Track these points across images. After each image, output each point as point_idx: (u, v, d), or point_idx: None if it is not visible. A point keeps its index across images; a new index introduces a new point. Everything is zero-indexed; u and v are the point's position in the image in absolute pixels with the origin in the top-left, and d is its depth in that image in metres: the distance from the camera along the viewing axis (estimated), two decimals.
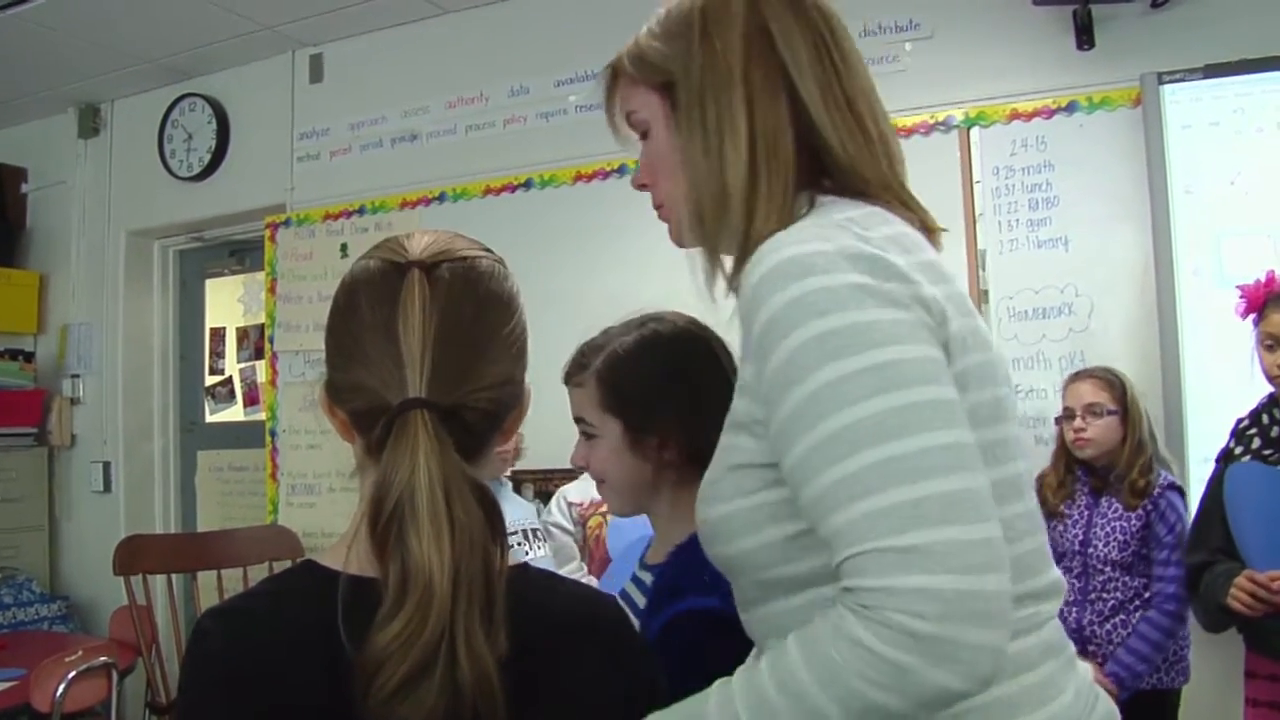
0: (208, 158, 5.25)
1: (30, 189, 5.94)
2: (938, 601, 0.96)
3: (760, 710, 1.03)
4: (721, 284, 1.28)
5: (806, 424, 1.05)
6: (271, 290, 5.03)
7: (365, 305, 1.16)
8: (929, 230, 1.30)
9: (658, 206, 1.39)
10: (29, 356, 5.79)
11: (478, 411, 1.14)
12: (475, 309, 1.18)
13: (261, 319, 5.18)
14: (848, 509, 1.01)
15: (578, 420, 1.76)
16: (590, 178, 4.30)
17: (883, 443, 1.02)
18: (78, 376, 5.66)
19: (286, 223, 5.02)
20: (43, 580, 5.55)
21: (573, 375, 1.77)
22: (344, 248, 4.83)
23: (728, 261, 1.27)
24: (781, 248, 1.12)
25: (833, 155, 1.26)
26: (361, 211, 4.82)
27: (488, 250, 1.27)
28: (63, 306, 5.80)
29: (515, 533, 2.97)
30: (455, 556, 1.04)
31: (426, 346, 1.11)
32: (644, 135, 1.37)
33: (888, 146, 1.30)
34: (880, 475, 1.01)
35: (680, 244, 1.37)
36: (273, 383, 5.01)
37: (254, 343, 5.38)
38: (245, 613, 1.14)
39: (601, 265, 4.17)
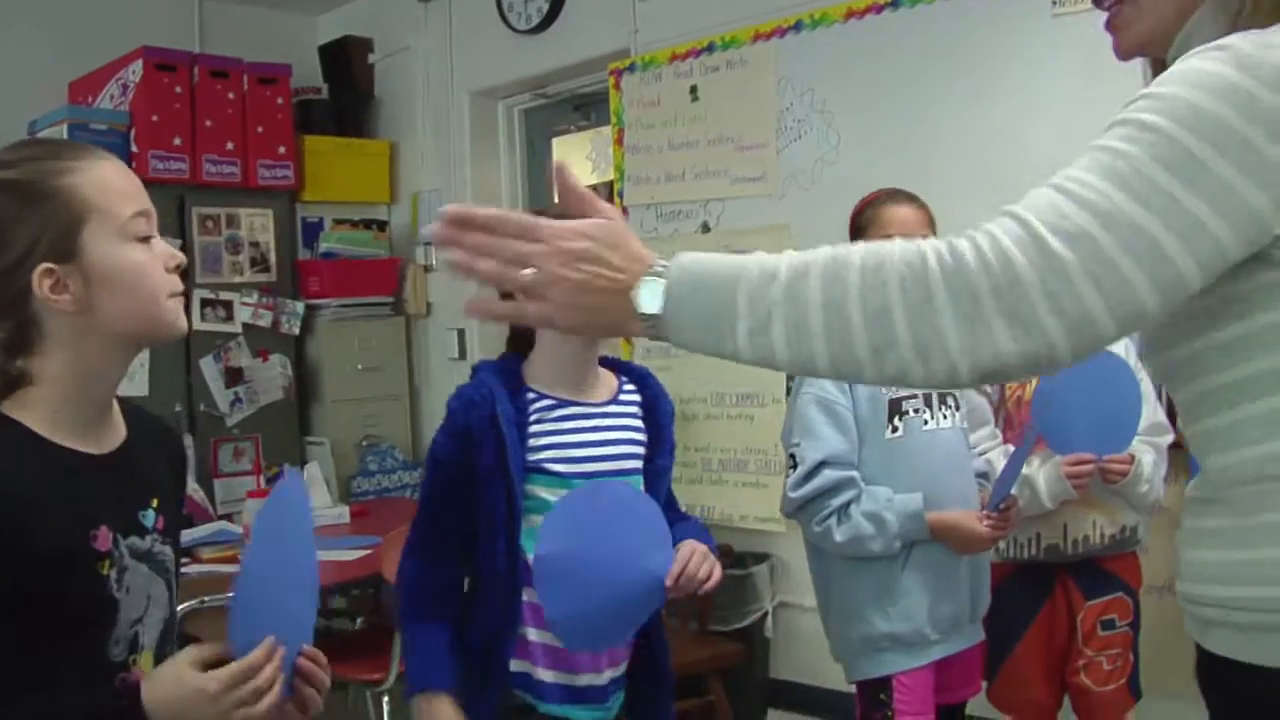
0: (546, 6, 5.01)
1: (376, 58, 5.92)
2: None
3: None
4: None
5: None
6: (619, 142, 4.76)
7: None
8: None
9: (1115, 2, 1.31)
10: (382, 225, 5.80)
11: None
12: None
13: (611, 175, 4.92)
14: None
15: None
16: None
17: None
18: (429, 244, 5.58)
19: (631, 68, 4.71)
20: (405, 448, 5.58)
21: None
22: (694, 90, 4.48)
23: None
24: None
25: None
26: (711, 49, 4.44)
27: None
28: (412, 173, 5.77)
29: (915, 396, 2.57)
30: None
31: None
32: None
33: None
34: None
35: (1127, 54, 1.33)
36: None
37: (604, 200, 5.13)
38: None
39: (988, 96, 3.66)
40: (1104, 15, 1.33)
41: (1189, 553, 1.25)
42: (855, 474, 2.55)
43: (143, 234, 1.48)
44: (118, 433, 1.56)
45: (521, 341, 2.17)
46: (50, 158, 1.46)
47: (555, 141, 5.56)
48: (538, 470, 2.09)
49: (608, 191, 4.99)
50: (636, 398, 2.25)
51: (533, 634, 2.08)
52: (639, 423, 2.23)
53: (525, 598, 2.07)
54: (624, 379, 2.27)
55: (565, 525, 1.98)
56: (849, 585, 2.59)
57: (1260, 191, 1.08)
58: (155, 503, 1.56)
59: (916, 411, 2.59)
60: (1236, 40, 1.13)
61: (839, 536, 2.52)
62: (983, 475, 2.74)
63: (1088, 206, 1.07)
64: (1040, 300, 1.05)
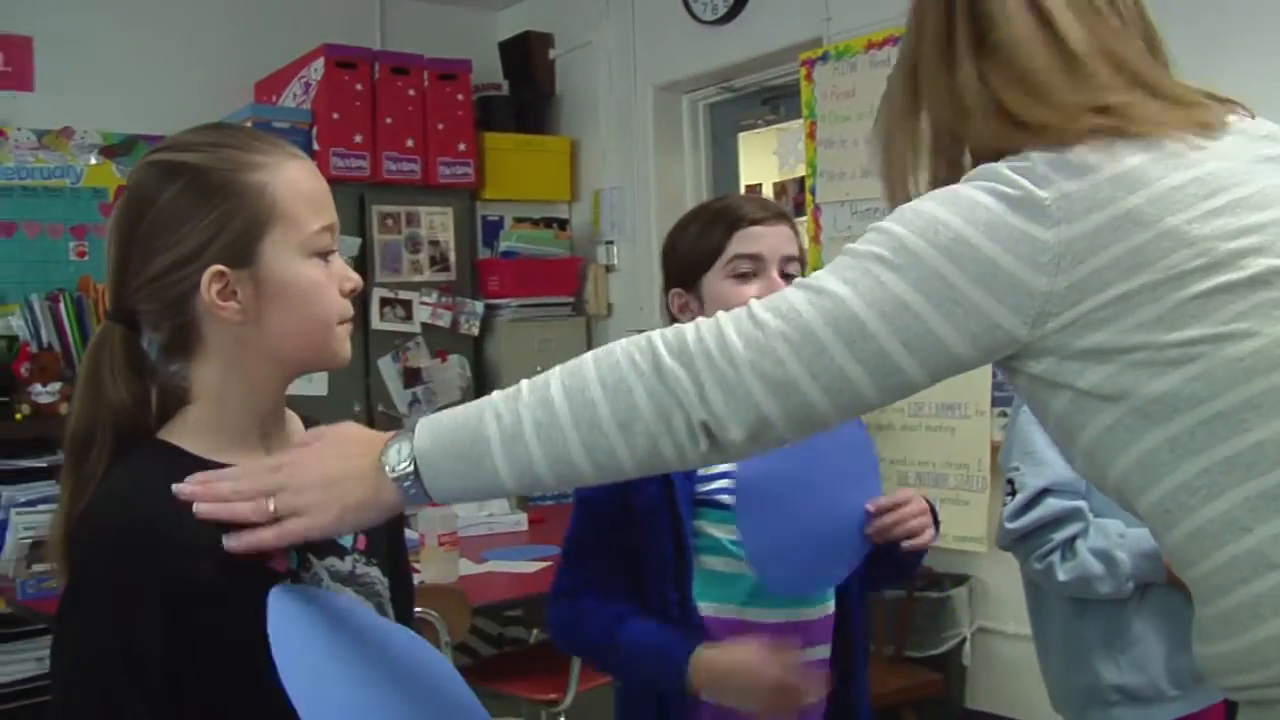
0: None
1: (557, 54, 5.85)
2: None
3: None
4: None
5: None
6: (811, 136, 4.56)
7: None
8: None
9: None
10: (563, 224, 5.72)
11: None
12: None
13: (800, 171, 4.74)
14: None
15: None
16: None
17: None
18: (611, 243, 5.52)
19: (824, 58, 4.51)
20: None
21: None
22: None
23: None
24: None
25: None
26: None
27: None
28: (594, 171, 5.68)
29: None
30: None
31: None
32: None
33: None
34: None
35: None
36: (815, 239, 4.55)
37: (793, 197, 4.97)
38: None
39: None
40: None
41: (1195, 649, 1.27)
42: (1083, 504, 2.28)
43: (325, 249, 1.35)
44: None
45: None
46: (240, 148, 1.33)
47: (741, 137, 5.41)
48: (709, 504, 1.86)
49: (798, 187, 4.81)
50: None
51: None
52: None
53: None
54: None
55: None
56: (1073, 628, 2.32)
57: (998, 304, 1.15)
58: None
59: None
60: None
61: (1063, 575, 2.26)
62: None
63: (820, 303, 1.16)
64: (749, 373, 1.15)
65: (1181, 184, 1.15)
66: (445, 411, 1.23)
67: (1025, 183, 1.15)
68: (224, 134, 1.38)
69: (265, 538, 1.22)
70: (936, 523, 1.90)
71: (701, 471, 1.86)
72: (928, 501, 1.90)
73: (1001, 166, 1.18)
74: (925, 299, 1.14)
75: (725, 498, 1.84)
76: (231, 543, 1.22)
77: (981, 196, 1.16)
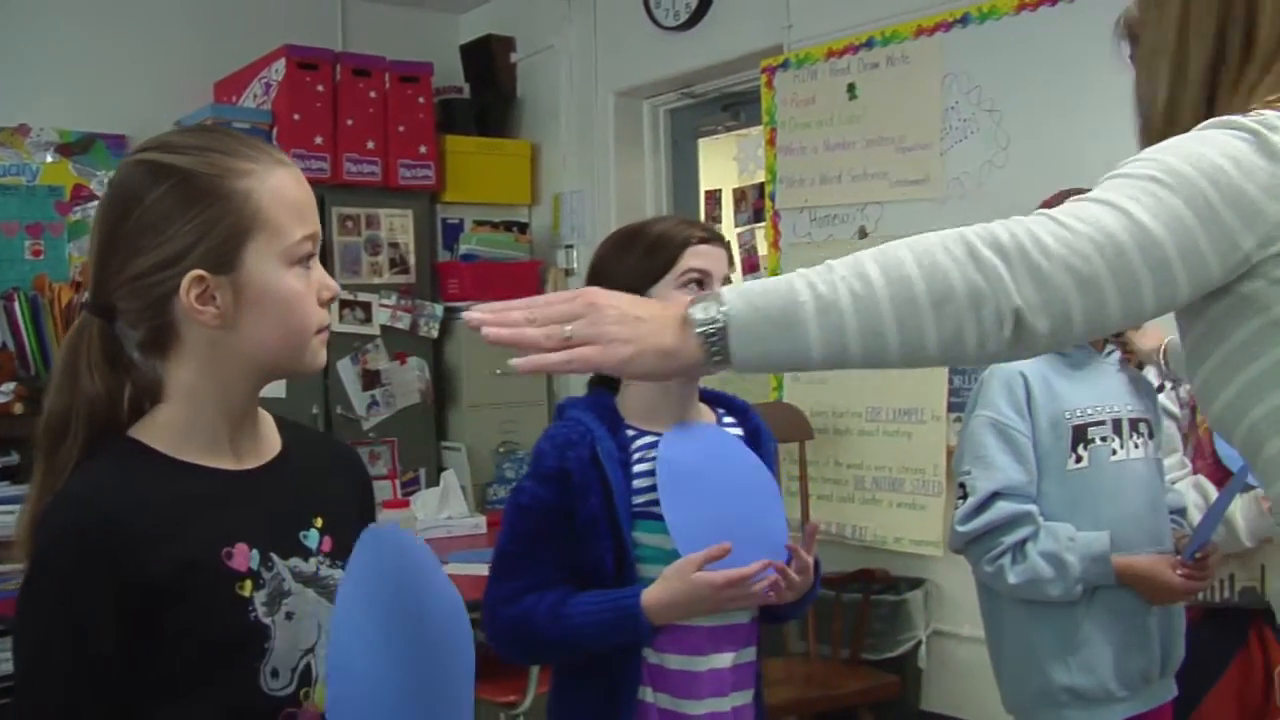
0: (695, 2, 4.83)
1: (519, 57, 5.83)
2: None
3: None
4: None
5: None
6: (771, 143, 4.56)
7: None
8: None
9: None
10: (524, 228, 5.71)
11: None
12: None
13: (760, 177, 4.74)
14: None
15: None
16: None
17: None
18: (571, 247, 5.51)
19: (785, 65, 4.51)
20: None
21: None
22: (851, 88, 4.26)
23: None
24: None
25: None
26: (870, 45, 4.21)
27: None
28: (555, 175, 5.67)
29: (1102, 423, 2.32)
30: None
31: None
32: None
33: None
34: None
35: None
36: (775, 245, 4.56)
37: (752, 203, 4.96)
38: None
39: None
40: None
41: None
42: (1033, 508, 2.31)
43: (307, 257, 1.36)
44: (268, 447, 1.45)
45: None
46: (228, 153, 1.34)
47: (702, 142, 5.41)
48: (646, 515, 1.89)
49: (758, 193, 4.82)
50: (739, 431, 2.06)
51: (649, 695, 1.89)
52: None
53: (645, 658, 1.89)
54: (722, 411, 2.07)
55: (690, 444, 1.88)
56: (1024, 631, 2.35)
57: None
58: (319, 522, 1.44)
59: (1104, 440, 2.34)
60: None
61: (1013, 578, 2.29)
62: (1178, 512, 2.48)
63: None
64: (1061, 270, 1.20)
65: None
66: (751, 281, 1.24)
67: (1264, 130, 1.27)
68: (213, 138, 1.39)
69: (553, 361, 1.20)
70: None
71: (638, 483, 1.90)
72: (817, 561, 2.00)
73: (1240, 117, 1.30)
74: (1195, 216, 1.23)
75: (659, 509, 1.87)
76: (518, 362, 1.20)
77: (1228, 137, 1.28)
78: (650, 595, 1.82)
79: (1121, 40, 1.71)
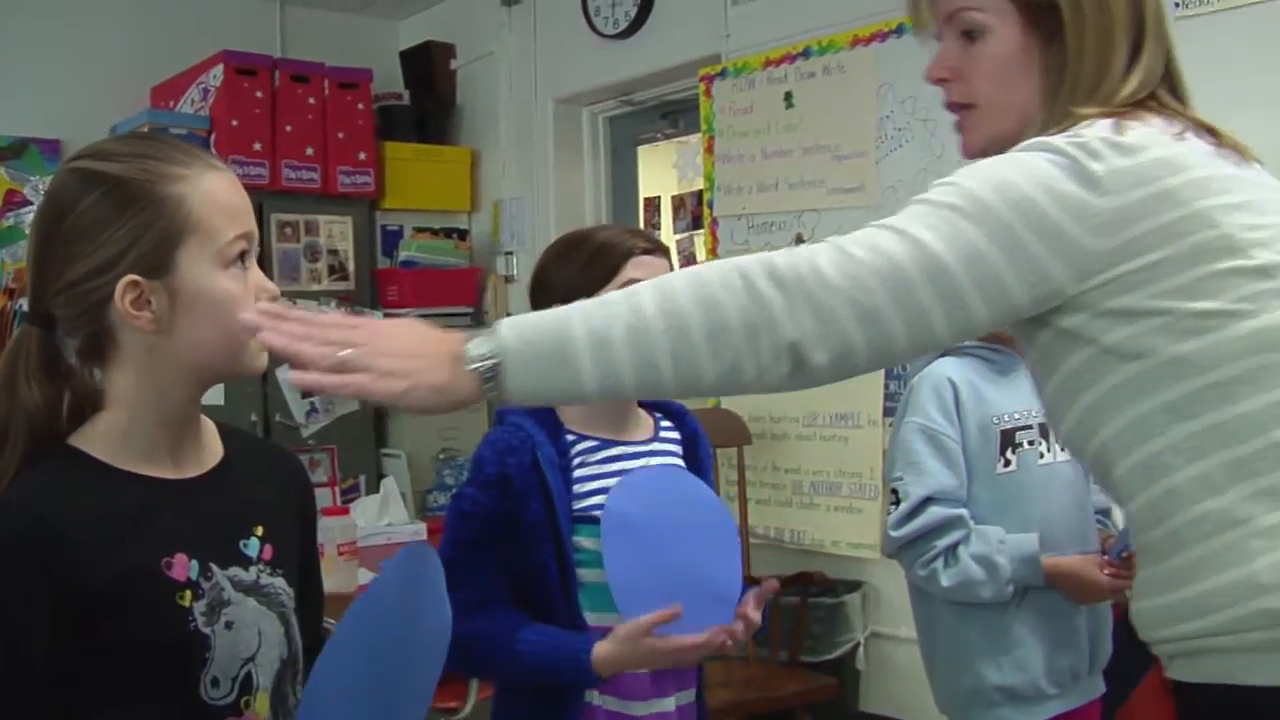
0: (634, 11, 4.85)
1: (459, 64, 5.82)
2: None
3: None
4: None
5: None
6: (709, 150, 4.59)
7: None
8: None
9: (963, 107, 1.47)
10: (463, 234, 5.70)
11: None
12: None
13: (698, 184, 4.78)
14: None
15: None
16: None
17: None
18: (511, 254, 5.50)
19: (723, 74, 4.55)
20: None
21: None
22: (789, 97, 4.30)
23: None
24: None
25: None
26: (807, 54, 4.26)
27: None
28: (494, 182, 5.65)
29: (1029, 428, 2.37)
30: None
31: None
32: (970, 36, 1.43)
33: None
34: None
35: (974, 154, 1.45)
36: (713, 251, 4.60)
37: (691, 210, 5.01)
38: None
39: None
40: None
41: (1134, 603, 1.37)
42: (964, 512, 2.36)
43: (241, 255, 1.37)
44: (209, 456, 1.45)
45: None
46: (160, 159, 1.35)
47: (641, 150, 5.44)
48: (585, 519, 1.90)
49: (696, 200, 4.86)
50: (676, 435, 2.08)
51: (597, 699, 1.91)
52: (682, 461, 2.05)
53: (587, 700, 1.90)
54: (659, 416, 2.09)
55: (640, 491, 1.86)
56: (956, 632, 2.40)
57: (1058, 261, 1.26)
58: (260, 530, 1.45)
59: (1031, 444, 2.39)
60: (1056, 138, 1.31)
61: (946, 581, 2.33)
62: (1103, 512, 2.54)
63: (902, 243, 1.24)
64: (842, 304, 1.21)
65: (1208, 177, 1.30)
66: (529, 314, 1.25)
67: (1082, 156, 1.27)
68: (146, 144, 1.40)
69: (329, 382, 1.20)
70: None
71: (578, 488, 1.91)
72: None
73: (1059, 140, 1.30)
74: (997, 247, 1.24)
75: (599, 513, 1.88)
76: (290, 376, 1.21)
77: (1044, 164, 1.28)
78: (601, 650, 1.82)
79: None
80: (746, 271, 1.21)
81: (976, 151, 1.47)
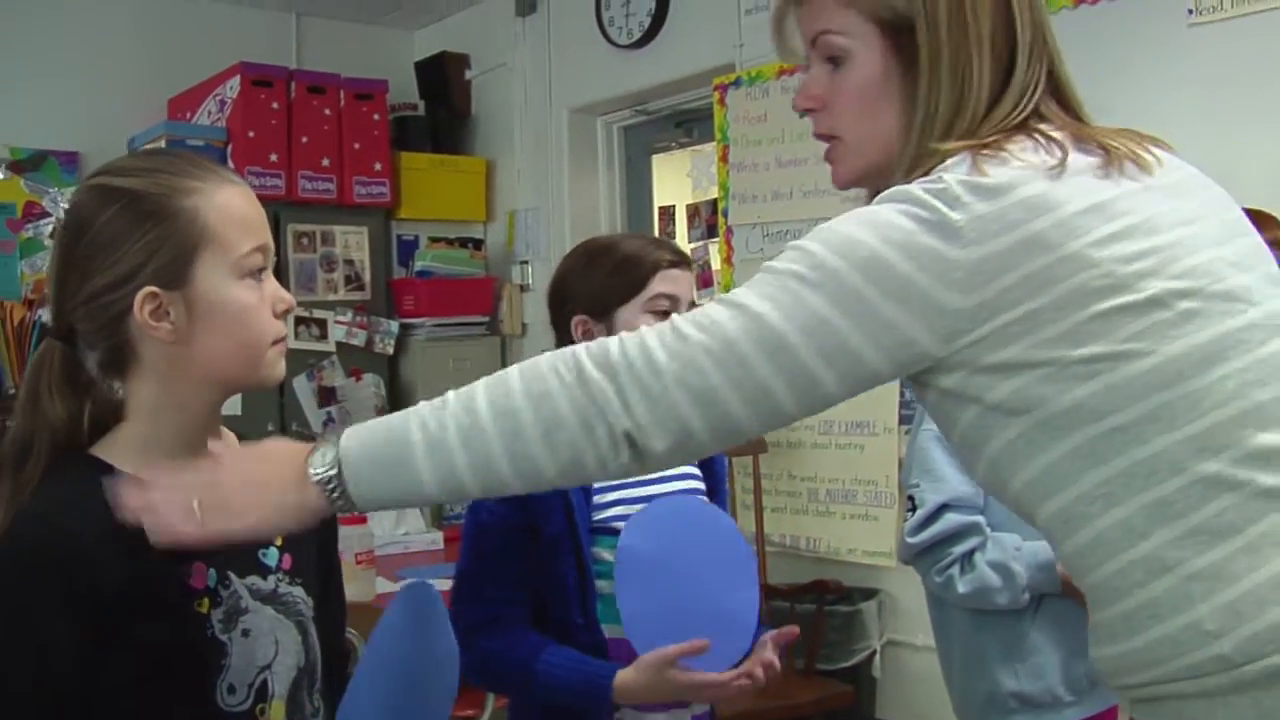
0: (648, 21, 4.86)
1: (473, 75, 5.85)
2: None
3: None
4: None
5: None
6: (723, 159, 4.60)
7: None
8: None
9: (830, 138, 1.39)
10: (478, 244, 5.71)
11: None
12: None
13: (713, 193, 4.78)
14: None
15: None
16: None
17: None
18: (526, 263, 5.52)
19: (737, 83, 4.56)
20: None
21: None
22: None
23: None
24: None
25: None
26: None
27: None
28: (509, 191, 5.67)
29: None
30: None
31: None
32: (835, 62, 1.36)
33: None
34: None
35: (844, 186, 1.41)
36: (728, 260, 4.60)
37: (705, 219, 5.00)
38: None
39: (1119, 110, 3.44)
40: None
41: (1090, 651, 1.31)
42: (980, 519, 2.35)
43: (257, 269, 1.39)
44: None
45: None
46: (176, 173, 1.37)
47: (655, 159, 5.44)
48: (604, 531, 1.91)
49: (711, 209, 4.86)
50: None
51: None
52: (696, 469, 2.05)
53: None
54: None
55: (655, 526, 1.83)
56: (973, 639, 2.40)
57: (917, 322, 1.19)
58: (280, 540, 1.47)
59: None
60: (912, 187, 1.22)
61: (962, 588, 2.33)
62: None
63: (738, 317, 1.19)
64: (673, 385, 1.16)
65: (1083, 209, 1.19)
66: (373, 420, 1.24)
67: (939, 204, 1.18)
68: (162, 159, 1.43)
69: (186, 534, 1.22)
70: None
71: (597, 499, 1.91)
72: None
73: (915, 188, 1.21)
74: (842, 314, 1.17)
75: (619, 524, 1.88)
76: (158, 538, 1.22)
77: (896, 217, 1.19)
78: (624, 678, 1.82)
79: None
80: (580, 361, 1.18)
81: (846, 184, 1.41)
